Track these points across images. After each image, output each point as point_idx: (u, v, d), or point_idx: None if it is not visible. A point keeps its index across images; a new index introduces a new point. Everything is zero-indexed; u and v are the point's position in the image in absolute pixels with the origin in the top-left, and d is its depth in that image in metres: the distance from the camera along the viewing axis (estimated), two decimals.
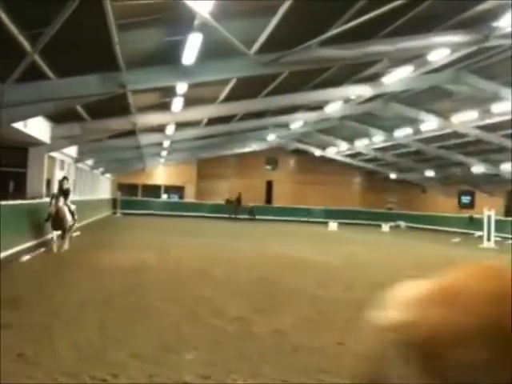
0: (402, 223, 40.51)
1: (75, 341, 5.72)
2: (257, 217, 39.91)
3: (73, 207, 14.69)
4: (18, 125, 14.49)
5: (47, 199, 15.61)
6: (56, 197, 13.84)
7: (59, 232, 13.98)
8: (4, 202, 12.20)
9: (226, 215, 39.11)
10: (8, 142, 17.73)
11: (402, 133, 29.95)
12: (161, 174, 46.07)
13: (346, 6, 11.98)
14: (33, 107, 13.14)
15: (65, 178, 15.31)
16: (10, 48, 10.62)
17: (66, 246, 14.11)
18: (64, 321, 6.60)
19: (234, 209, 39.73)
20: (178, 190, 46.06)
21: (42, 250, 13.86)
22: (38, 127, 16.99)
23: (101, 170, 36.03)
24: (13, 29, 9.72)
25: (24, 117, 13.83)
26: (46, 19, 8.90)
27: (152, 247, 16.07)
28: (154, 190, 44.72)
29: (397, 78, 18.97)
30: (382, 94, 23.66)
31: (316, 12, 12.00)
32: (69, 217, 14.03)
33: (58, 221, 13.64)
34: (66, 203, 14.05)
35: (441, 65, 18.53)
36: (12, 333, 5.91)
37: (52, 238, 14.03)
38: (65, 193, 14.32)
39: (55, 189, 21.84)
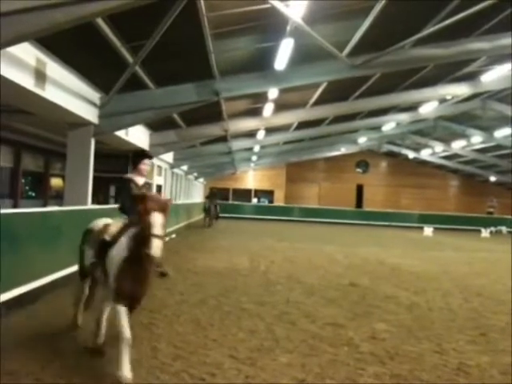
0: (504, 228, 38.36)
1: (173, 339, 5.97)
2: (339, 221, 39.22)
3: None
4: (120, 133, 15.30)
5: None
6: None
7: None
8: None
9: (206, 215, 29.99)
10: (110, 150, 18.78)
11: (503, 133, 28.43)
12: (251, 178, 46.83)
13: (441, 4, 11.58)
14: (134, 116, 13.71)
15: None
16: (113, 60, 11.22)
17: None
18: (162, 320, 6.89)
19: (214, 208, 30.12)
20: (268, 194, 46.61)
21: None
22: (138, 135, 17.84)
23: (194, 174, 37.26)
24: (116, 42, 10.28)
25: (126, 125, 14.44)
26: (146, 32, 9.33)
27: (243, 250, 16.41)
28: (245, 194, 45.58)
29: (496, 76, 18.02)
30: (480, 93, 22.56)
31: (410, 12, 11.67)
32: None
33: None
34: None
35: None
36: None
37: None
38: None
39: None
